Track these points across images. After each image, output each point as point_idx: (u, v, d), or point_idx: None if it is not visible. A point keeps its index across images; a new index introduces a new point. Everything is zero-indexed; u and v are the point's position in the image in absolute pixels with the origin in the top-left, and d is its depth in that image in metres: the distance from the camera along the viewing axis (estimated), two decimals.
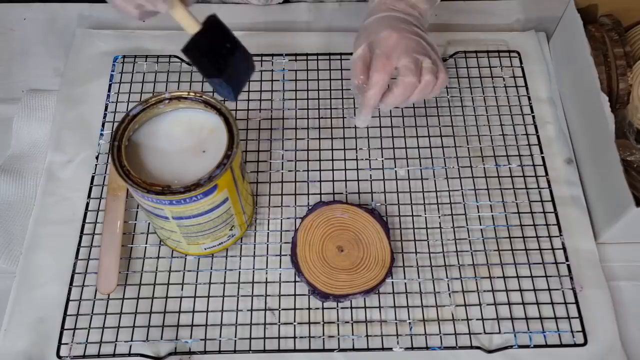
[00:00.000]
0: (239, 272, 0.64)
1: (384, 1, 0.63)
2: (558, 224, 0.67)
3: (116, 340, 0.60)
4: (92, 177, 0.69)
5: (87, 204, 0.68)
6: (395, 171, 0.70)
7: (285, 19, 0.83)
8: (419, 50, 0.59)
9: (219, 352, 0.60)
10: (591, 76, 0.67)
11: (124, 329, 0.61)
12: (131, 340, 0.60)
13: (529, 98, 0.75)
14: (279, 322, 0.62)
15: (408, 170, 0.70)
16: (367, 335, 0.61)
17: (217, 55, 0.52)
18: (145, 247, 0.66)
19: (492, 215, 0.67)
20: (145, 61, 0.78)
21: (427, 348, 0.60)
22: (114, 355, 0.60)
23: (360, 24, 0.64)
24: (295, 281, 0.64)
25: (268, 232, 0.67)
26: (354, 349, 0.60)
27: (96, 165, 0.70)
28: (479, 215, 0.67)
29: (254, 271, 0.64)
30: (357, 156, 0.71)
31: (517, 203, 0.68)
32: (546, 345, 0.60)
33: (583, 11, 0.72)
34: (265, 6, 0.84)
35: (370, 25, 0.62)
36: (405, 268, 0.64)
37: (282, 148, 0.72)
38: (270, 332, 0.61)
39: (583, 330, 0.61)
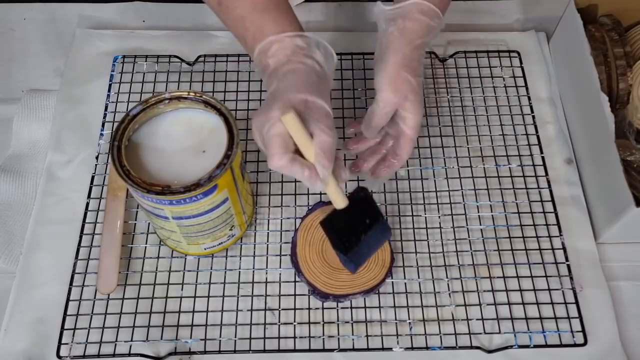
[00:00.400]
0: (239, 272, 0.64)
1: (424, 48, 0.59)
2: (558, 224, 0.67)
3: (116, 340, 0.60)
4: (92, 177, 0.69)
5: (87, 204, 0.68)
6: (395, 171, 0.70)
7: None
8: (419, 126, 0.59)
9: (219, 352, 0.60)
10: (591, 76, 0.67)
11: (124, 329, 0.61)
12: (131, 340, 0.60)
13: (529, 98, 0.75)
14: (279, 322, 0.62)
15: (408, 170, 0.70)
16: (367, 335, 0.61)
17: (350, 233, 0.55)
18: (145, 247, 0.66)
19: (492, 215, 0.67)
20: (145, 61, 0.78)
21: (427, 348, 0.60)
22: (114, 355, 0.60)
23: (390, 54, 0.58)
24: (295, 281, 0.64)
25: (268, 232, 0.67)
26: (354, 349, 0.60)
27: (96, 165, 0.70)
28: (479, 215, 0.67)
29: (254, 271, 0.64)
30: (357, 156, 0.71)
31: (517, 203, 0.68)
32: (546, 345, 0.60)
33: (583, 11, 0.72)
34: None
35: (409, 87, 0.57)
36: (405, 268, 0.64)
37: None
38: (270, 332, 0.61)
39: (583, 330, 0.61)
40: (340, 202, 0.55)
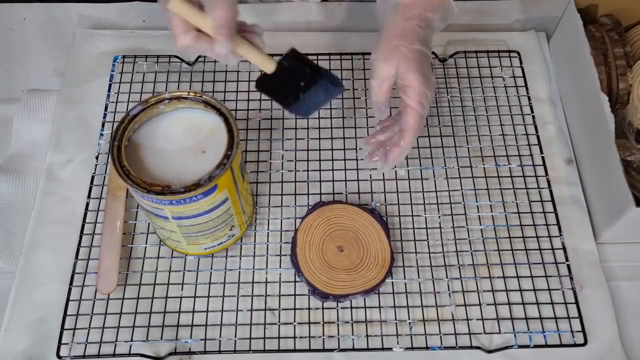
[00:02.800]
0: (239, 272, 0.64)
1: (421, 18, 0.58)
2: (558, 224, 0.67)
3: (116, 340, 0.60)
4: (92, 177, 0.69)
5: (87, 204, 0.68)
6: (395, 171, 0.70)
7: (286, 19, 0.83)
8: (428, 99, 0.58)
9: (219, 352, 0.60)
10: (591, 76, 0.67)
11: (124, 329, 0.61)
12: (131, 340, 0.60)
13: (529, 98, 0.75)
14: (279, 322, 0.62)
15: (408, 170, 0.70)
16: (367, 335, 0.61)
17: (287, 92, 0.55)
18: (145, 247, 0.66)
19: (492, 215, 0.67)
20: (145, 61, 0.78)
21: (427, 348, 0.60)
22: (114, 355, 0.60)
23: (385, 29, 0.59)
24: (295, 281, 0.64)
25: (268, 232, 0.67)
26: (354, 349, 0.60)
27: (96, 165, 0.70)
28: (479, 215, 0.67)
29: (254, 271, 0.64)
30: (357, 156, 0.71)
31: (517, 203, 0.68)
32: (546, 345, 0.60)
33: (583, 11, 0.72)
34: (265, 5, 0.84)
35: (408, 55, 0.57)
36: (405, 268, 0.64)
37: (282, 148, 0.72)
38: (270, 332, 0.61)
39: (583, 330, 0.61)
40: (267, 65, 0.54)
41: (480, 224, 0.67)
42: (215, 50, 0.51)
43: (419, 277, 0.64)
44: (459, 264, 0.65)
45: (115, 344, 0.60)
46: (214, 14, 0.49)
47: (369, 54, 0.77)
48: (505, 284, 0.63)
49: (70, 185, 0.70)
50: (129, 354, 0.60)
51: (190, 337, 0.61)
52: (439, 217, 0.67)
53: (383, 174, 0.70)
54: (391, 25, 0.58)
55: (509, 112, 0.75)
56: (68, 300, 0.62)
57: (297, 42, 0.79)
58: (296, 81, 0.55)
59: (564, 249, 0.65)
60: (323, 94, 0.56)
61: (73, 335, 0.60)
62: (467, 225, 0.67)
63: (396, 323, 0.61)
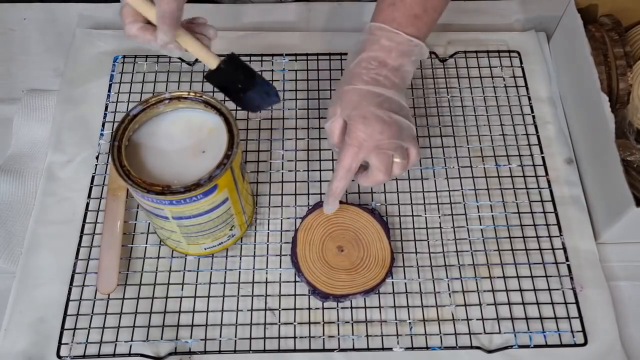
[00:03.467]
0: (239, 272, 0.64)
1: (371, 59, 0.62)
2: (558, 224, 0.67)
3: (116, 340, 0.60)
4: (92, 177, 0.69)
5: (87, 204, 0.68)
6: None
7: (285, 19, 0.83)
8: (390, 144, 0.59)
9: (219, 352, 0.60)
10: (591, 76, 0.67)
11: (124, 329, 0.61)
12: (131, 340, 0.60)
13: (529, 98, 0.75)
14: (279, 322, 0.62)
15: (408, 170, 0.70)
16: (367, 335, 0.61)
17: (229, 91, 0.57)
18: (145, 247, 0.66)
19: (492, 215, 0.67)
20: (145, 61, 0.78)
21: (427, 348, 0.60)
22: (114, 355, 0.60)
23: (341, 79, 0.63)
24: (295, 281, 0.64)
25: (268, 232, 0.67)
26: (354, 349, 0.60)
27: (96, 165, 0.70)
28: (479, 215, 0.67)
29: (254, 271, 0.64)
30: None
31: (517, 203, 0.68)
32: (546, 345, 0.60)
33: (583, 11, 0.72)
34: (265, 5, 0.84)
35: (349, 96, 0.60)
36: (405, 268, 0.64)
37: (282, 148, 0.72)
38: (270, 332, 0.61)
39: (583, 330, 0.61)
40: (210, 61, 0.56)
41: (481, 224, 0.67)
42: (157, 38, 0.53)
43: (419, 277, 0.64)
44: (459, 264, 0.65)
45: (116, 344, 0.60)
46: (159, 5, 0.52)
47: None
48: (505, 284, 0.63)
49: (70, 185, 0.70)
50: (129, 354, 0.60)
51: (191, 337, 0.61)
52: (439, 217, 0.67)
53: None
54: (345, 74, 0.63)
55: (509, 112, 0.75)
56: (68, 300, 0.62)
57: (295, 43, 0.80)
58: (233, 83, 0.57)
59: (564, 249, 0.65)
60: (259, 99, 0.58)
61: (73, 335, 0.60)
62: (467, 225, 0.67)
63: (396, 323, 0.61)
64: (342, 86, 0.61)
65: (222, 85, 0.58)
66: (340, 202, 0.66)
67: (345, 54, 0.78)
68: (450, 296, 0.63)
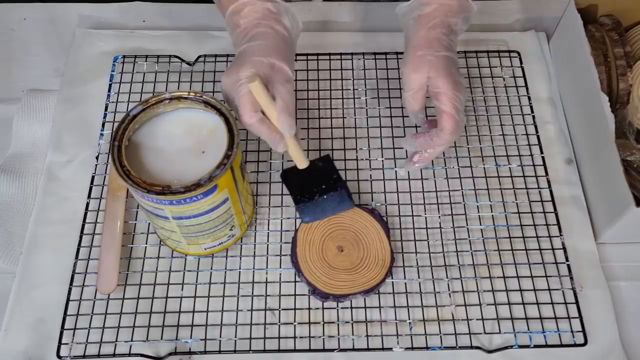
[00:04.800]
0: (239, 272, 0.64)
1: (443, 25, 0.61)
2: (558, 224, 0.67)
3: (116, 340, 0.60)
4: (92, 177, 0.69)
5: (87, 204, 0.68)
6: (395, 171, 0.70)
7: None
8: (461, 101, 0.61)
9: (219, 352, 0.60)
10: (591, 76, 0.67)
11: (124, 329, 0.61)
12: (131, 340, 0.60)
13: (529, 98, 0.75)
14: (279, 322, 0.62)
15: (408, 170, 0.70)
16: (367, 335, 0.61)
17: (303, 190, 0.62)
18: (146, 247, 0.66)
19: (492, 215, 0.67)
20: (145, 61, 0.78)
21: (427, 348, 0.60)
22: (114, 355, 0.60)
23: (411, 43, 0.62)
24: (295, 281, 0.64)
25: (268, 232, 0.67)
26: (354, 349, 0.60)
27: (96, 165, 0.70)
28: (479, 215, 0.67)
29: (254, 271, 0.64)
30: (357, 156, 0.71)
31: (517, 203, 0.68)
32: (546, 345, 0.60)
33: (583, 11, 0.72)
34: None
35: (437, 62, 0.60)
36: (405, 268, 0.64)
37: None
38: (270, 332, 0.61)
39: (583, 330, 0.61)
40: (301, 161, 0.61)
41: (481, 224, 0.67)
42: (276, 135, 0.57)
43: (419, 277, 0.64)
44: (459, 264, 0.65)
45: (116, 344, 0.60)
46: (283, 101, 0.56)
47: (370, 53, 0.78)
48: (505, 284, 0.63)
49: (70, 185, 0.70)
50: (129, 354, 0.60)
51: (191, 337, 0.61)
52: (439, 217, 0.67)
53: (383, 173, 0.70)
54: (415, 37, 0.61)
55: (509, 112, 0.75)
56: (68, 300, 0.62)
57: (298, 42, 0.80)
58: (319, 182, 0.62)
59: (564, 249, 0.65)
60: (335, 203, 0.63)
61: (73, 335, 0.60)
62: (467, 225, 0.67)
63: (396, 323, 0.61)
64: (418, 51, 0.60)
65: (301, 184, 0.62)
66: None
67: (346, 53, 0.78)
68: (450, 296, 0.63)
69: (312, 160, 0.62)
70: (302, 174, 0.62)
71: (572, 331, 0.61)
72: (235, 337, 0.61)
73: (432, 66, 0.59)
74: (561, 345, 0.60)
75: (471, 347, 0.60)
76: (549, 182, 0.69)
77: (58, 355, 0.59)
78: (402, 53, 0.77)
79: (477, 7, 0.63)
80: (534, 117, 0.74)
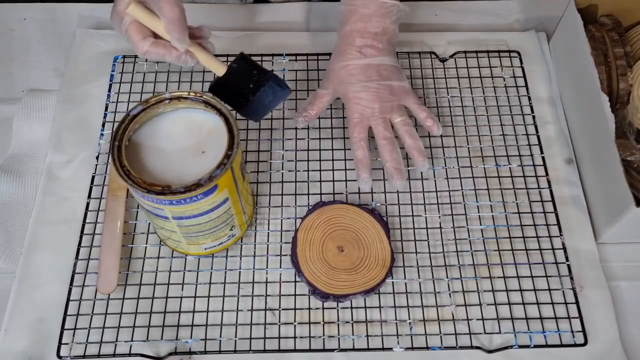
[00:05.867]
0: (239, 272, 0.64)
1: (353, 32, 0.67)
2: (558, 224, 0.67)
3: (116, 340, 0.60)
4: (92, 177, 0.69)
5: (87, 204, 0.68)
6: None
7: (285, 19, 0.83)
8: (384, 108, 0.66)
9: (219, 352, 0.60)
10: (591, 76, 0.67)
11: (124, 329, 0.61)
12: (131, 340, 0.60)
13: (529, 98, 0.75)
14: (279, 322, 0.62)
15: (408, 170, 0.70)
16: (367, 335, 0.61)
17: (236, 95, 0.60)
18: (146, 247, 0.66)
19: (492, 215, 0.67)
20: (146, 61, 0.78)
21: (427, 348, 0.60)
22: (114, 355, 0.60)
23: (331, 56, 0.70)
24: (295, 281, 0.64)
25: (268, 232, 0.67)
26: (354, 349, 0.60)
27: (96, 165, 0.70)
28: (479, 215, 0.67)
29: (254, 271, 0.64)
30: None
31: (517, 203, 0.68)
32: (546, 345, 0.60)
33: (583, 11, 0.72)
34: (265, 5, 0.84)
35: (338, 74, 0.67)
36: (405, 268, 0.64)
37: (282, 148, 0.72)
38: (270, 332, 0.61)
39: (583, 330, 0.61)
40: (218, 69, 0.59)
41: (481, 224, 0.67)
42: (174, 48, 0.56)
43: (419, 277, 0.64)
44: (459, 264, 0.65)
45: (116, 344, 0.60)
46: (165, 15, 0.54)
47: None
48: (505, 284, 0.63)
49: (70, 185, 0.70)
50: (129, 354, 0.60)
51: (191, 337, 0.61)
52: (439, 217, 0.67)
53: (383, 173, 0.70)
54: (334, 47, 0.69)
55: (509, 112, 0.75)
56: (68, 300, 0.62)
57: (295, 43, 0.80)
58: (245, 84, 0.59)
59: (564, 249, 0.65)
60: (271, 95, 0.61)
61: (73, 335, 0.60)
62: (467, 225, 0.67)
63: (396, 323, 0.61)
64: (333, 63, 0.68)
65: (232, 91, 0.59)
66: (341, 203, 0.66)
67: None
68: (450, 296, 0.63)
69: (229, 64, 0.60)
70: (228, 82, 0.60)
71: (572, 331, 0.61)
72: (236, 337, 0.61)
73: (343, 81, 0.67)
74: (561, 345, 0.60)
75: (471, 347, 0.60)
76: (549, 182, 0.69)
77: (58, 355, 0.59)
78: (403, 52, 0.78)
79: (405, 10, 0.68)
80: (534, 117, 0.74)
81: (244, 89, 0.59)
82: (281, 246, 0.66)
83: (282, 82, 0.61)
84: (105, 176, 0.69)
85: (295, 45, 0.80)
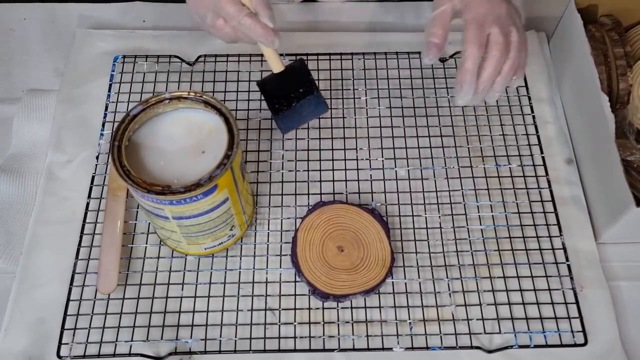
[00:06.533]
0: (239, 272, 0.64)
1: None
2: (558, 224, 0.67)
3: (116, 340, 0.60)
4: (92, 177, 0.69)
5: (87, 204, 0.68)
6: (395, 171, 0.70)
7: (285, 19, 0.83)
8: (508, 19, 0.59)
9: (219, 352, 0.60)
10: (591, 76, 0.67)
11: (124, 329, 0.61)
12: (131, 340, 0.60)
13: (529, 98, 0.75)
14: (279, 322, 0.62)
15: (408, 170, 0.70)
16: (367, 335, 0.61)
17: (281, 97, 0.62)
18: (146, 247, 0.66)
19: (492, 215, 0.67)
20: (146, 61, 0.78)
21: (427, 348, 0.60)
22: (114, 355, 0.60)
23: None
24: (295, 281, 0.64)
25: (268, 232, 0.67)
26: (354, 349, 0.60)
27: (96, 165, 0.70)
28: (479, 215, 0.67)
29: (254, 271, 0.64)
30: (357, 156, 0.71)
31: (517, 203, 0.68)
32: (546, 345, 0.60)
33: (583, 11, 0.72)
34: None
35: None
36: (405, 268, 0.64)
37: (282, 148, 0.72)
38: (270, 332, 0.61)
39: (583, 330, 0.61)
40: (276, 65, 0.61)
41: (481, 224, 0.67)
42: (266, 30, 0.58)
43: (419, 277, 0.64)
44: (459, 264, 0.65)
45: (116, 344, 0.60)
46: None
47: (370, 53, 0.78)
48: (505, 284, 0.63)
49: (70, 185, 0.70)
50: (129, 354, 0.60)
51: (191, 337, 0.61)
52: (439, 217, 0.67)
53: (383, 173, 0.70)
54: None
55: (509, 112, 0.75)
56: (68, 300, 0.62)
57: (295, 43, 0.80)
58: (296, 87, 0.61)
59: (564, 249, 0.65)
60: (313, 107, 0.63)
61: (73, 335, 0.60)
62: (467, 225, 0.67)
63: (396, 323, 0.61)
64: None
65: (278, 91, 0.61)
66: (341, 203, 0.66)
67: (346, 53, 0.78)
68: (450, 296, 0.63)
69: (287, 65, 0.62)
70: (278, 82, 0.62)
71: (572, 331, 0.61)
72: (236, 337, 0.61)
73: None
74: (561, 345, 0.60)
75: (471, 347, 0.60)
76: (549, 182, 0.69)
77: (58, 355, 0.59)
78: (403, 52, 0.78)
79: None
80: (534, 117, 0.74)
81: (292, 91, 0.61)
82: (281, 246, 0.66)
83: (325, 100, 0.63)
84: (105, 176, 0.69)
85: (295, 45, 0.80)
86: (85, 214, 0.67)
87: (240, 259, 0.65)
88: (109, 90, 0.75)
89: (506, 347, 0.60)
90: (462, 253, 0.65)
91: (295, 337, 0.61)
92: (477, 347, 0.60)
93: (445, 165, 0.71)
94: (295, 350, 0.60)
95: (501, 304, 0.62)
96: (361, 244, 0.63)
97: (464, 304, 0.62)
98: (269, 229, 0.67)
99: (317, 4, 0.84)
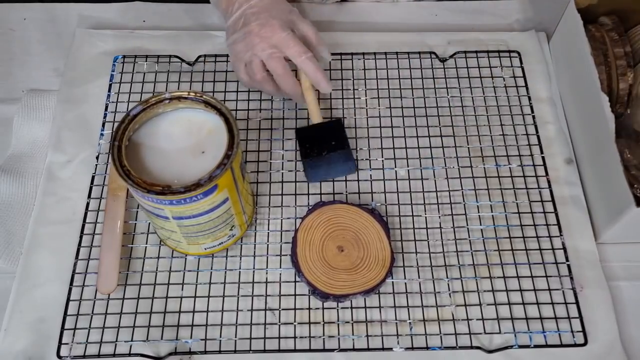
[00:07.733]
0: (239, 272, 0.64)
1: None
2: (558, 224, 0.67)
3: (116, 340, 0.60)
4: (92, 177, 0.69)
5: (87, 204, 0.68)
6: (395, 171, 0.70)
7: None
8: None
9: (219, 352, 0.60)
10: (591, 76, 0.67)
11: (124, 329, 0.61)
12: (131, 340, 0.60)
13: (529, 98, 0.75)
14: (279, 322, 0.62)
15: (408, 170, 0.70)
16: (367, 335, 0.61)
17: (313, 144, 0.68)
18: (146, 247, 0.66)
19: (492, 215, 0.67)
20: (146, 61, 0.78)
21: (427, 348, 0.60)
22: (114, 355, 0.60)
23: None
24: (295, 281, 0.64)
25: (268, 232, 0.67)
26: (354, 349, 0.60)
27: (96, 165, 0.70)
28: (479, 215, 0.67)
29: (254, 271, 0.64)
30: (357, 156, 0.71)
31: (517, 203, 0.68)
32: (546, 345, 0.60)
33: (583, 11, 0.72)
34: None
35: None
36: (405, 268, 0.64)
37: (282, 148, 0.72)
38: (270, 332, 0.61)
39: (583, 330, 0.61)
40: (316, 116, 0.69)
41: (481, 224, 0.67)
42: (323, 74, 0.67)
43: (419, 277, 0.64)
44: (459, 264, 0.65)
45: (116, 344, 0.60)
46: (311, 27, 0.69)
47: (370, 53, 0.79)
48: (505, 284, 0.63)
49: (70, 185, 0.70)
50: (129, 354, 0.60)
51: (191, 337, 0.61)
52: (439, 217, 0.67)
53: (383, 173, 0.70)
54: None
55: (509, 112, 0.75)
56: (68, 300, 0.62)
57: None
58: (329, 139, 0.67)
59: (564, 249, 0.65)
60: (341, 161, 0.67)
61: (73, 335, 0.60)
62: (467, 225, 0.67)
63: (396, 323, 0.61)
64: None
65: (316, 137, 0.67)
66: (340, 203, 0.66)
67: (346, 53, 0.78)
68: (450, 296, 0.63)
69: (326, 120, 0.69)
70: (313, 133, 0.68)
71: (572, 331, 0.61)
72: (235, 337, 0.61)
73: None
74: (561, 345, 0.60)
75: (471, 347, 0.60)
76: (549, 182, 0.69)
77: (58, 355, 0.59)
78: (403, 52, 0.78)
79: None
80: (534, 117, 0.74)
81: (325, 142, 0.67)
82: (281, 246, 0.66)
83: (354, 159, 0.68)
84: (105, 176, 0.69)
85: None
86: (85, 214, 0.67)
87: (240, 259, 0.65)
88: (109, 90, 0.75)
89: (506, 347, 0.60)
90: (462, 253, 0.65)
91: (295, 337, 0.61)
92: (477, 347, 0.60)
93: (445, 165, 0.71)
94: (295, 350, 0.60)
95: (501, 304, 0.62)
96: (361, 244, 0.63)
97: (464, 304, 0.62)
98: (269, 229, 0.67)
99: (315, 4, 0.84)
